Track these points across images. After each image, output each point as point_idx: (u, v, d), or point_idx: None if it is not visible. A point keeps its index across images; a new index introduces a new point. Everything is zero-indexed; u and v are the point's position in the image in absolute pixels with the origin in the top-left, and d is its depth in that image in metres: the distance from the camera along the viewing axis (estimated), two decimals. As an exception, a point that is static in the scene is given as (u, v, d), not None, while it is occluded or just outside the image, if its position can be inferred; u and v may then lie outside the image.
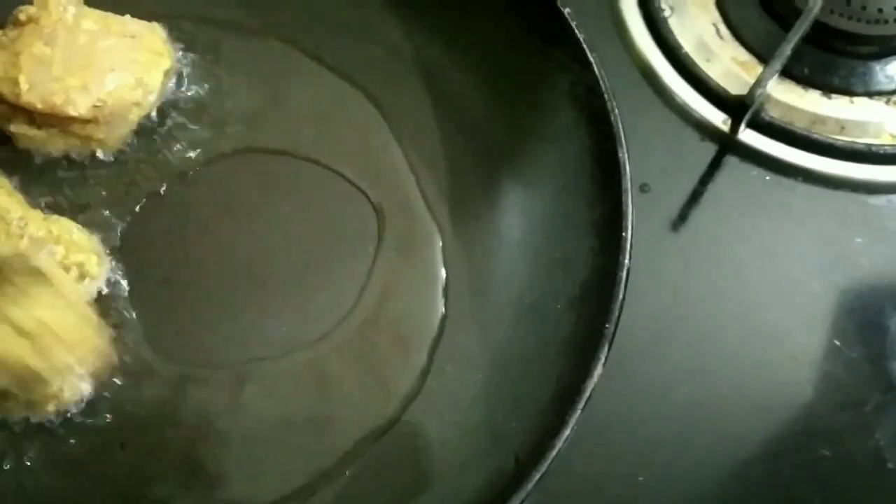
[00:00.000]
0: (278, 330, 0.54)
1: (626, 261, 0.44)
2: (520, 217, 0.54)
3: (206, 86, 0.60)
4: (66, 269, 0.52)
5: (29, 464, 0.49)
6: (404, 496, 0.47)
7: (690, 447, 0.56)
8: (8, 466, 0.49)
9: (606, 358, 0.43)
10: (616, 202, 0.47)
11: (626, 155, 0.48)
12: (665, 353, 0.59)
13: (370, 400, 0.52)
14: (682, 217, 0.65)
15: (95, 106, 0.55)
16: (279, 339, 0.54)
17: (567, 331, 0.48)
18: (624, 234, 0.45)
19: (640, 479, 0.56)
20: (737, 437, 0.57)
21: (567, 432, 0.42)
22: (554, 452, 0.41)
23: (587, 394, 0.42)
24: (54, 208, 0.55)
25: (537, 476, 0.41)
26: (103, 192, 0.57)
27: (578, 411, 0.42)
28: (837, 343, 0.60)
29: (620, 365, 0.58)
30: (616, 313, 0.44)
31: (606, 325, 0.43)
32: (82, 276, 0.53)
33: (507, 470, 0.43)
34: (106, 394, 0.51)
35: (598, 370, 0.43)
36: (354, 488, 0.49)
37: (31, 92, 0.54)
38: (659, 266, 0.62)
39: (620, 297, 0.44)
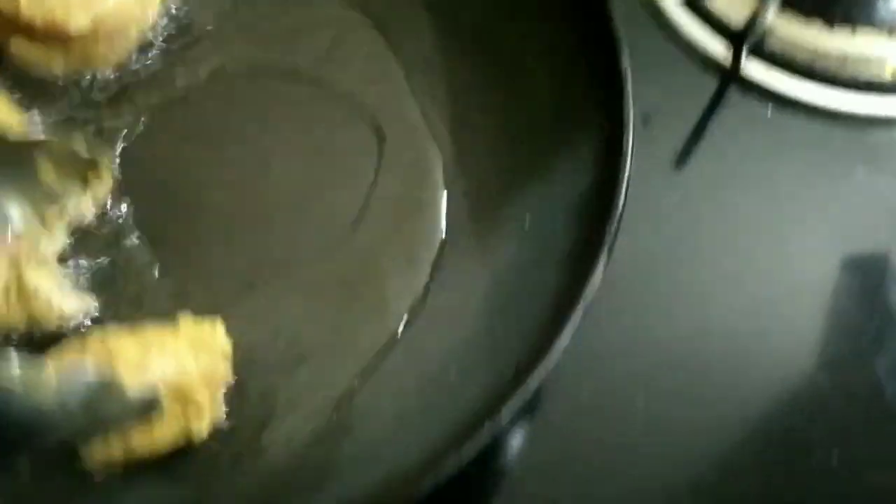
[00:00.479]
0: (278, 250, 0.54)
1: (628, 166, 0.44)
2: (520, 136, 0.54)
3: (209, 3, 0.60)
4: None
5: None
6: (407, 409, 0.47)
7: (688, 373, 0.57)
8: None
9: (606, 266, 0.43)
10: (619, 112, 0.47)
11: (628, 66, 0.47)
12: (662, 284, 0.60)
13: (371, 318, 0.52)
14: (683, 149, 0.64)
15: (95, 21, 0.55)
16: (279, 260, 0.54)
17: (567, 246, 0.48)
18: (625, 142, 0.44)
19: (640, 403, 0.56)
20: (734, 364, 0.57)
21: (568, 335, 0.42)
22: (555, 356, 0.41)
23: (586, 302, 0.42)
24: (54, 125, 0.55)
25: (538, 378, 0.41)
26: (104, 110, 0.56)
27: (578, 319, 0.42)
28: (838, 275, 0.60)
29: (619, 293, 0.58)
30: (617, 219, 0.44)
31: (607, 229, 0.43)
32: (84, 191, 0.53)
33: (507, 377, 0.43)
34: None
35: (598, 277, 0.43)
36: (360, 404, 0.49)
37: (31, 7, 0.54)
38: (659, 197, 0.62)
39: (621, 203, 0.44)
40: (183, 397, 0.46)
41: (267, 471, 0.46)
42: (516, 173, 0.53)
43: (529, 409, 0.56)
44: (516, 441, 0.55)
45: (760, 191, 0.63)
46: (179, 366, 0.46)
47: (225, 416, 0.48)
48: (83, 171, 0.52)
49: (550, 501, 0.53)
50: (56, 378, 0.43)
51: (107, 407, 0.44)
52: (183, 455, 0.47)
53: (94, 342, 0.47)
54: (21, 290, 0.50)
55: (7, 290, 0.50)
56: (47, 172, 0.51)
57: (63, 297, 0.50)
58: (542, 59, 0.54)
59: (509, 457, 0.55)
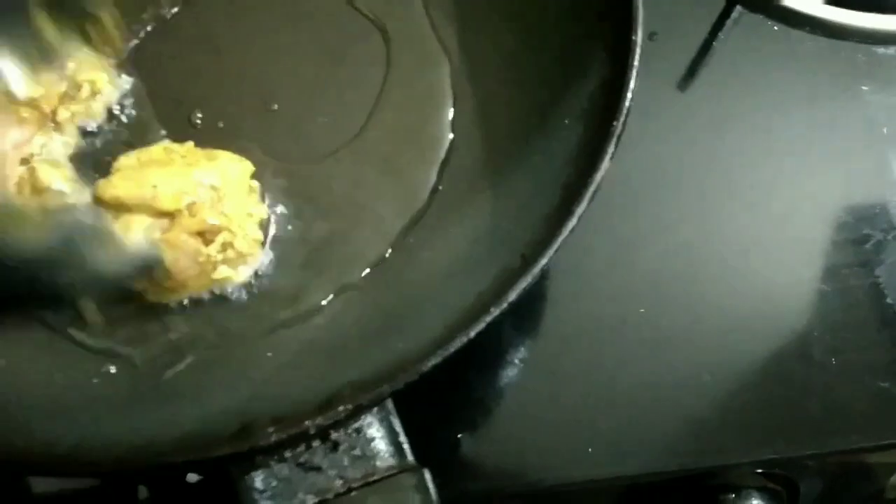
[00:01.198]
0: (287, 151, 0.55)
1: (636, 62, 0.44)
2: (528, 37, 0.54)
3: None
4: (78, 85, 0.53)
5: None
6: (416, 302, 0.48)
7: (687, 283, 0.58)
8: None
9: (613, 155, 0.44)
10: (626, 14, 0.47)
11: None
12: (667, 197, 0.61)
13: (379, 218, 0.53)
14: (688, 67, 0.65)
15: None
16: (288, 160, 0.54)
17: (574, 143, 0.48)
18: (634, 37, 0.45)
19: (642, 310, 0.57)
20: (736, 272, 0.58)
21: (573, 223, 0.42)
22: (560, 240, 0.42)
23: (595, 187, 0.43)
24: (62, 26, 0.55)
25: (544, 262, 0.42)
26: (112, 12, 0.56)
27: (585, 203, 0.43)
28: (842, 188, 0.61)
29: (621, 207, 0.59)
30: (624, 113, 0.44)
31: (614, 123, 0.43)
32: (93, 93, 0.53)
33: (513, 266, 0.44)
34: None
35: (605, 165, 0.43)
36: (368, 299, 0.50)
37: None
38: (662, 115, 0.63)
39: (629, 96, 0.44)
40: (215, 227, 0.47)
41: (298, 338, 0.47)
42: (524, 78, 0.54)
43: (535, 316, 0.57)
44: (518, 350, 0.56)
45: (766, 107, 0.63)
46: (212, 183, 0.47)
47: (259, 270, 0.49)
48: (82, 23, 0.52)
49: (550, 408, 0.54)
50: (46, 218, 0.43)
51: (98, 255, 0.44)
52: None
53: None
54: (34, 185, 0.50)
55: (21, 186, 0.50)
56: (44, 24, 0.50)
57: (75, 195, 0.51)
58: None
59: (510, 365, 0.56)
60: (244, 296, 0.50)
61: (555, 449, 0.53)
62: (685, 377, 0.56)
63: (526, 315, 0.58)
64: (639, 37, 0.45)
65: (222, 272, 0.48)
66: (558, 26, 0.52)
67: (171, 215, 0.47)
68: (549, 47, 0.52)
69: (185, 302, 0.49)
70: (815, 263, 0.59)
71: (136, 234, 0.46)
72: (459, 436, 0.54)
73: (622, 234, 0.59)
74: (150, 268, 0.46)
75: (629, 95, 0.44)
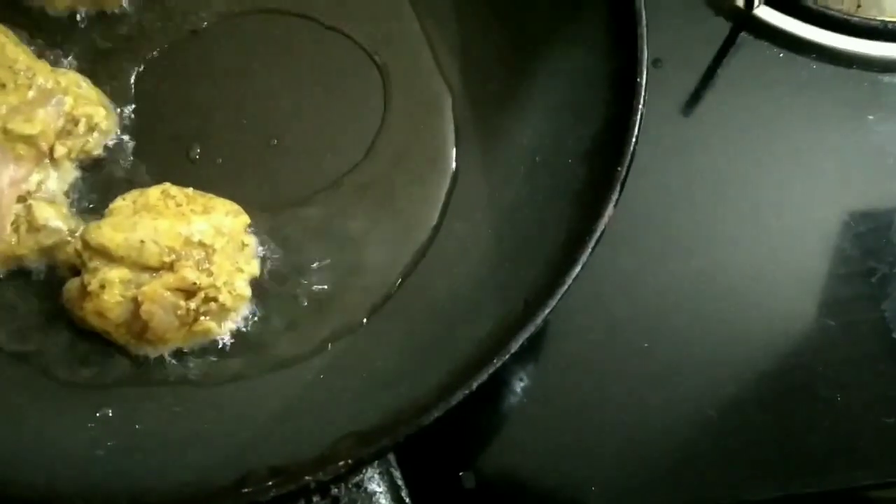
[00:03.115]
0: (287, 184, 0.54)
1: (641, 106, 0.44)
2: (533, 73, 0.53)
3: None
4: (75, 120, 0.52)
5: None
6: (418, 341, 0.48)
7: (695, 314, 0.57)
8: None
9: (618, 202, 0.43)
10: (631, 52, 0.46)
11: (642, 4, 0.47)
12: (674, 228, 0.60)
13: (380, 258, 0.52)
14: (693, 93, 0.64)
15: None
16: (288, 193, 0.54)
17: (578, 184, 0.48)
18: (639, 79, 0.44)
19: (645, 344, 0.57)
20: (742, 306, 0.58)
21: (577, 270, 0.42)
22: (563, 290, 0.41)
23: (599, 233, 0.42)
24: (62, 63, 0.55)
25: (546, 312, 0.41)
26: (111, 48, 0.56)
27: (589, 251, 0.42)
28: (847, 217, 0.60)
29: (629, 237, 0.58)
30: (629, 158, 0.43)
31: (619, 169, 0.43)
32: (91, 128, 0.53)
33: (516, 312, 0.43)
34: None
35: (609, 212, 0.43)
36: (369, 342, 0.49)
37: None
38: (670, 141, 0.62)
39: (633, 142, 0.44)
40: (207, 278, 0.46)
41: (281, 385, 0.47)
42: (528, 115, 0.53)
43: (536, 350, 0.57)
44: (523, 381, 0.56)
45: (771, 134, 0.63)
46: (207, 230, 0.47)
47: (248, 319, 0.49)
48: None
49: (554, 437, 0.54)
50: None
51: None
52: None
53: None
54: (31, 223, 0.50)
55: (17, 223, 0.50)
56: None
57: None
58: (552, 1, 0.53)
59: (516, 395, 0.55)
60: (237, 339, 0.49)
61: (557, 486, 0.53)
62: (689, 412, 0.55)
63: (528, 347, 0.57)
64: (643, 79, 0.44)
65: (204, 325, 0.47)
66: (564, 63, 0.51)
67: (153, 268, 0.46)
68: (555, 86, 0.51)
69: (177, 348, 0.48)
70: (821, 297, 0.58)
71: (115, 288, 0.46)
72: (461, 473, 0.53)
73: (626, 265, 0.59)
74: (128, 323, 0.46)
75: (634, 140, 0.44)
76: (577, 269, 0.42)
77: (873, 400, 0.55)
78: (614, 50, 0.48)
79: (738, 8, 0.65)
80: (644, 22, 0.46)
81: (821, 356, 0.56)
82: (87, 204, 0.52)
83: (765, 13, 0.64)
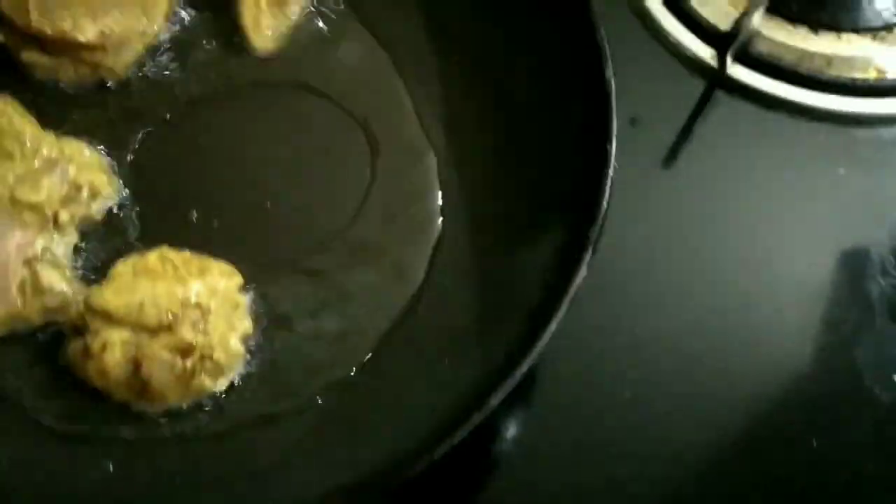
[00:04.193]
0: (279, 247, 0.57)
1: (611, 170, 0.47)
2: (513, 136, 0.56)
3: (209, 17, 0.62)
4: (78, 187, 0.55)
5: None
6: (401, 396, 0.50)
7: (674, 365, 0.59)
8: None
9: (589, 263, 0.45)
10: (603, 117, 0.49)
11: (611, 72, 0.49)
12: (654, 281, 0.62)
13: (369, 313, 0.54)
14: (670, 149, 0.67)
15: (102, 32, 0.57)
16: (280, 255, 0.56)
17: (555, 241, 0.50)
18: (609, 145, 0.47)
19: (627, 395, 0.58)
20: (719, 356, 0.59)
21: (553, 328, 0.44)
22: (541, 346, 0.44)
23: (571, 295, 0.45)
24: (65, 132, 0.57)
25: (524, 369, 0.44)
26: (112, 118, 0.59)
27: (563, 310, 0.44)
28: (820, 268, 0.62)
29: (610, 290, 0.60)
30: (601, 219, 0.46)
31: (591, 230, 0.45)
32: (93, 194, 0.55)
33: (499, 367, 0.45)
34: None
35: (582, 273, 0.45)
36: (358, 396, 0.52)
37: (41, 18, 0.57)
38: (648, 198, 0.64)
39: (605, 204, 0.46)
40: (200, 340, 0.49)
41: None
42: (507, 174, 0.56)
43: (521, 398, 0.58)
44: (508, 430, 0.57)
45: (747, 189, 0.65)
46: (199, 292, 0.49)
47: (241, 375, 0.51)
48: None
49: (540, 487, 0.55)
50: None
51: None
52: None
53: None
54: (36, 286, 0.52)
55: (23, 286, 0.52)
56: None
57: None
58: (532, 68, 0.56)
59: (502, 444, 0.57)
60: (230, 394, 0.51)
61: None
62: (671, 458, 0.57)
63: (515, 397, 0.59)
64: (612, 146, 0.47)
65: (200, 382, 0.49)
66: (543, 128, 0.54)
67: (152, 329, 0.49)
68: (533, 149, 0.54)
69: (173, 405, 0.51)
70: (795, 345, 0.60)
71: (116, 349, 0.48)
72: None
73: (611, 315, 0.60)
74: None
75: (605, 204, 0.46)
76: (553, 326, 0.44)
77: (850, 446, 0.57)
78: (586, 118, 0.51)
79: (711, 67, 0.67)
80: (613, 91, 0.48)
81: (797, 403, 0.58)
82: (89, 266, 0.55)
83: (738, 72, 0.67)
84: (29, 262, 0.53)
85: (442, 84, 0.60)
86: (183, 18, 0.62)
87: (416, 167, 0.58)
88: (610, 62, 0.49)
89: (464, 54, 0.59)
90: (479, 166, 0.57)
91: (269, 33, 0.60)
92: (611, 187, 0.48)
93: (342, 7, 0.62)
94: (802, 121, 0.67)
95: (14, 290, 0.52)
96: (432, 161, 0.58)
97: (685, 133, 0.67)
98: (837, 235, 0.64)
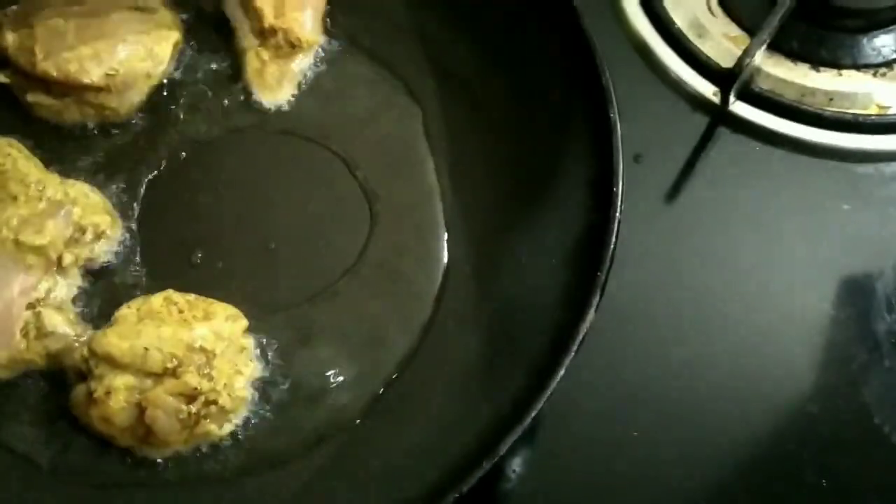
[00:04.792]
0: (284, 288, 0.56)
1: (618, 214, 0.46)
2: (519, 180, 0.56)
3: (214, 62, 0.62)
4: (83, 229, 0.55)
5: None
6: (409, 443, 0.49)
7: (681, 402, 0.59)
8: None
9: (599, 308, 0.45)
10: (608, 161, 0.49)
11: (616, 115, 0.50)
12: (659, 318, 0.62)
13: (374, 356, 0.54)
14: (674, 186, 0.67)
15: (108, 74, 0.58)
16: (284, 297, 0.56)
17: (562, 284, 0.50)
18: (615, 188, 0.47)
19: (635, 433, 0.58)
20: (727, 395, 0.59)
21: (561, 373, 0.44)
22: (549, 392, 0.43)
23: (580, 338, 0.44)
24: (70, 173, 0.58)
25: (532, 416, 0.43)
26: (116, 159, 0.59)
27: (572, 354, 0.44)
28: (826, 305, 0.62)
29: (615, 328, 0.60)
30: (608, 262, 0.46)
31: (599, 273, 0.45)
32: (97, 236, 0.55)
33: (505, 414, 0.45)
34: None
35: (591, 316, 0.45)
36: (362, 441, 0.51)
37: (47, 61, 0.57)
38: (653, 233, 0.64)
39: (612, 248, 0.46)
40: (207, 385, 0.48)
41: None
42: (513, 217, 0.56)
43: (529, 438, 0.58)
44: (513, 469, 0.57)
45: (750, 225, 0.65)
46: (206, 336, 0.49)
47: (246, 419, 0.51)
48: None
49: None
50: None
51: None
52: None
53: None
54: (39, 329, 0.52)
55: (27, 330, 0.52)
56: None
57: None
58: (538, 111, 0.56)
59: (506, 484, 0.56)
60: (235, 439, 0.51)
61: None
62: (679, 499, 0.56)
63: (521, 437, 0.59)
64: (620, 189, 0.47)
65: (205, 428, 0.49)
66: (549, 171, 0.54)
67: (157, 374, 0.48)
68: (540, 192, 0.54)
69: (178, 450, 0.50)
70: (804, 384, 0.60)
71: (120, 395, 0.48)
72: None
73: (614, 353, 0.60)
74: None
75: (612, 248, 0.46)
76: (561, 372, 0.44)
77: (859, 486, 0.57)
78: (593, 159, 0.51)
79: (714, 104, 0.68)
80: (619, 135, 0.49)
81: (806, 443, 0.58)
82: (93, 309, 0.55)
83: (740, 108, 0.67)
84: (33, 306, 0.53)
85: (449, 130, 0.60)
86: (188, 61, 0.63)
87: (420, 211, 0.58)
88: (615, 106, 0.49)
89: (470, 100, 0.60)
90: (483, 210, 0.57)
91: (273, 84, 0.60)
92: (616, 236, 0.48)
93: (346, 57, 0.62)
94: (805, 157, 0.67)
95: (18, 333, 0.52)
96: (438, 204, 0.58)
97: (688, 169, 0.67)
98: (842, 271, 0.63)
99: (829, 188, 0.66)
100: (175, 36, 0.61)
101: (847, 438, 0.58)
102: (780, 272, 0.63)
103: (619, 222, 0.47)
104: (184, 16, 0.63)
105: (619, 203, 0.47)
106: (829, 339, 0.61)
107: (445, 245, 0.56)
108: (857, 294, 0.63)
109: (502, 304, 0.53)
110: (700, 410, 0.59)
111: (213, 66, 0.62)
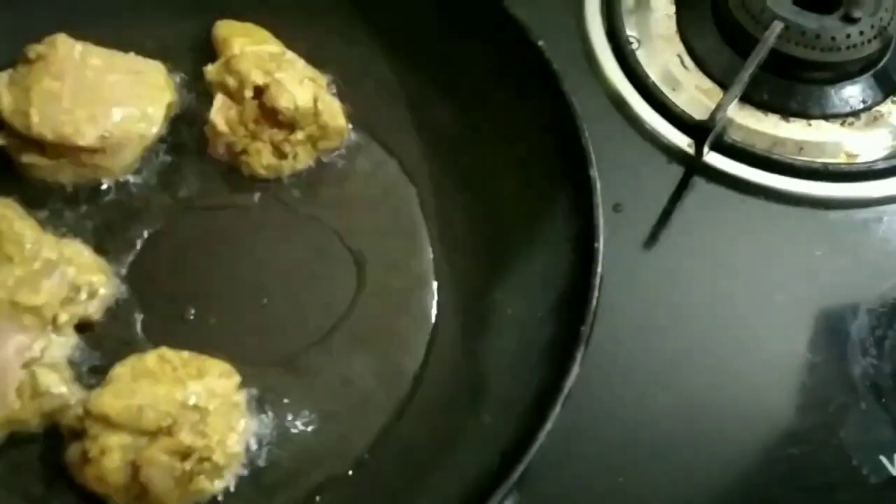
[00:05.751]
0: (276, 343, 0.58)
1: (599, 269, 0.48)
2: (504, 237, 0.58)
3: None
4: (77, 288, 0.56)
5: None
6: (403, 497, 0.50)
7: (664, 449, 0.60)
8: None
9: (583, 359, 0.47)
10: (589, 218, 0.51)
11: (596, 174, 0.52)
12: (641, 364, 0.63)
13: (364, 410, 0.55)
14: (652, 233, 0.68)
15: (102, 136, 0.59)
16: (276, 351, 0.57)
17: (547, 337, 0.51)
18: (596, 244, 0.48)
19: (620, 479, 0.59)
20: (709, 440, 0.60)
21: (548, 427, 0.45)
22: (536, 447, 0.45)
23: (566, 392, 0.46)
24: (65, 233, 0.59)
25: (520, 470, 0.44)
26: (110, 218, 0.60)
27: (558, 408, 0.46)
28: (802, 349, 0.64)
29: (598, 374, 0.61)
30: (591, 317, 0.47)
31: (582, 328, 0.47)
32: (92, 294, 0.56)
33: (493, 466, 0.46)
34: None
35: (575, 370, 0.46)
36: (352, 495, 0.52)
37: (42, 124, 0.58)
38: (633, 281, 0.66)
39: (594, 303, 0.48)
40: (200, 442, 0.49)
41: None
42: (498, 271, 0.58)
43: (515, 486, 0.59)
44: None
45: (726, 272, 0.67)
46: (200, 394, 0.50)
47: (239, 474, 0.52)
48: None
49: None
50: None
51: None
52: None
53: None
54: (34, 389, 0.53)
55: (21, 390, 0.53)
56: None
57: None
58: (520, 170, 0.59)
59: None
60: (228, 496, 0.52)
61: None
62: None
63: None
64: (601, 246, 0.49)
65: (199, 485, 0.50)
66: (532, 227, 0.56)
67: (151, 433, 0.49)
68: (524, 249, 0.56)
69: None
70: (782, 427, 0.61)
71: (115, 454, 0.49)
72: None
73: (593, 398, 0.61)
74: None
75: (595, 302, 0.48)
76: (548, 425, 0.45)
77: (838, 526, 0.58)
78: (574, 215, 0.53)
79: (689, 155, 0.70)
80: (599, 192, 0.50)
81: (784, 485, 0.59)
82: (88, 367, 0.55)
83: (714, 159, 0.70)
84: (27, 365, 0.53)
85: (436, 190, 0.62)
86: (182, 123, 0.64)
87: (409, 264, 0.59)
88: (595, 165, 0.51)
89: (457, 164, 0.62)
90: (471, 265, 0.59)
91: (265, 164, 0.62)
92: (598, 294, 0.49)
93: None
94: (778, 205, 0.69)
95: (13, 393, 0.53)
96: (428, 256, 0.59)
97: (666, 217, 0.69)
98: (817, 316, 0.65)
99: (802, 234, 0.68)
100: (168, 97, 0.63)
101: (826, 481, 0.60)
102: (755, 317, 0.65)
103: (602, 277, 0.48)
104: (177, 78, 0.65)
105: (599, 258, 0.49)
106: (806, 383, 0.63)
107: (435, 298, 0.58)
108: (832, 338, 0.65)
109: (490, 355, 0.55)
110: (683, 455, 0.60)
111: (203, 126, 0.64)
